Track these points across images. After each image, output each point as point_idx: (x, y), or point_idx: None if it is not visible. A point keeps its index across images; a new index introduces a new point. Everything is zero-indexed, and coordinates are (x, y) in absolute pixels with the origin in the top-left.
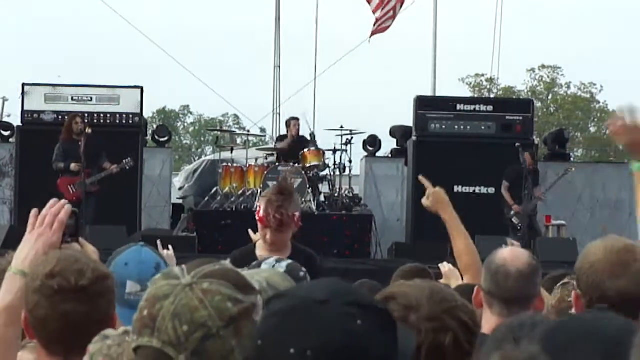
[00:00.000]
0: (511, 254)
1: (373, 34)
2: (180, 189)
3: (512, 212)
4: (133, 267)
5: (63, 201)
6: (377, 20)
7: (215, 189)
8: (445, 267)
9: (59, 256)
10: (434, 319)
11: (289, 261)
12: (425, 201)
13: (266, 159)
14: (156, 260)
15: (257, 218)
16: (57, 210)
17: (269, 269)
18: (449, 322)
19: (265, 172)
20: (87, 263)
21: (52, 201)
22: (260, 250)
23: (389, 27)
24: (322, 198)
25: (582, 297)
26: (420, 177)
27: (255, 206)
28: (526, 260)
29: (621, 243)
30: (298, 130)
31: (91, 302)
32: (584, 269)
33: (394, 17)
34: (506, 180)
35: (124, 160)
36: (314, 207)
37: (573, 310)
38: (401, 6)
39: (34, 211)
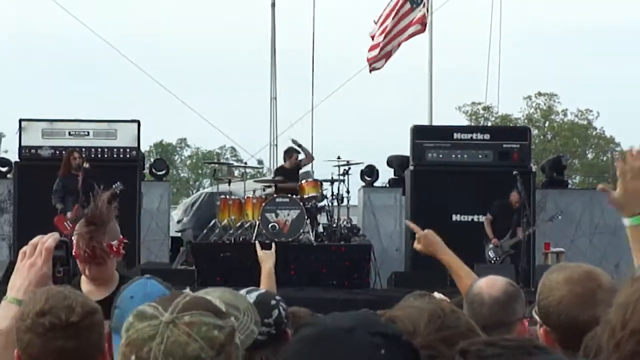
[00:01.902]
0: (488, 282)
1: (372, 69)
2: (178, 222)
3: (490, 245)
4: (139, 299)
5: (54, 233)
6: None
7: (213, 222)
8: (437, 296)
9: (48, 293)
10: (428, 347)
11: (259, 291)
12: (417, 245)
13: (264, 190)
14: (161, 292)
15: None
16: (46, 239)
17: (216, 288)
18: (443, 351)
19: (264, 204)
20: (76, 299)
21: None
22: (85, 285)
23: (382, 66)
24: (320, 229)
25: (551, 332)
26: (407, 222)
27: (253, 238)
28: (502, 287)
29: (579, 271)
30: (296, 161)
31: (82, 337)
32: (552, 306)
33: (388, 57)
34: (490, 214)
35: (113, 185)
36: (313, 238)
37: None
38: (398, 47)
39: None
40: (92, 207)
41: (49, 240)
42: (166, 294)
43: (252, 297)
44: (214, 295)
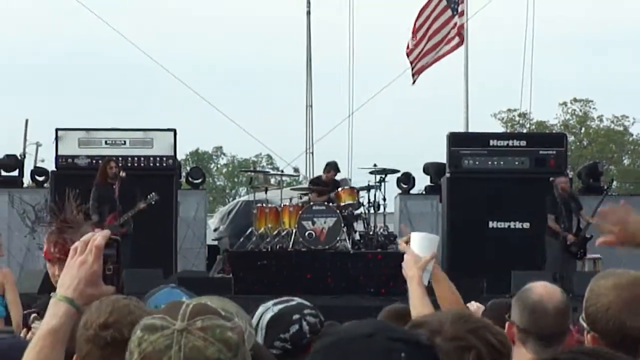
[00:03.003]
0: (546, 290)
1: (415, 73)
2: (215, 230)
3: (569, 242)
4: None
5: (104, 231)
6: (416, 59)
7: (250, 230)
8: (473, 305)
9: (113, 305)
10: (456, 338)
11: (286, 304)
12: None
13: (300, 198)
14: None
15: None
16: (96, 237)
17: (201, 297)
18: (472, 341)
19: (300, 212)
20: (140, 315)
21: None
22: None
23: (428, 65)
24: (357, 236)
25: (600, 339)
26: (399, 240)
27: (290, 246)
28: (561, 296)
29: (627, 277)
30: (332, 178)
31: None
32: (600, 312)
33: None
34: (550, 213)
35: (149, 195)
36: (349, 246)
37: None
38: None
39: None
40: (65, 208)
41: (99, 238)
42: None
43: (274, 309)
44: (215, 303)
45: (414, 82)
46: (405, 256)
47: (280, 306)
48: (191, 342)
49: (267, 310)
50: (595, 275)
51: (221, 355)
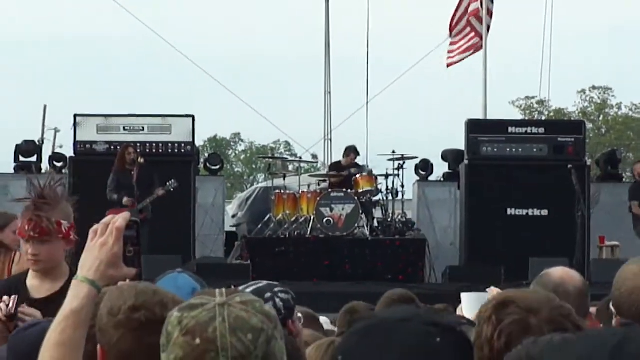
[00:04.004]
0: (566, 273)
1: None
2: (233, 216)
3: None
4: None
5: (125, 213)
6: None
7: (268, 216)
8: (493, 291)
9: (137, 289)
10: (554, 322)
11: (257, 285)
12: None
13: (319, 185)
14: (192, 286)
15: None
16: (117, 219)
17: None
18: (567, 326)
19: (318, 199)
20: (166, 294)
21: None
22: (31, 280)
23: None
24: (375, 223)
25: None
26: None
27: (308, 232)
28: (580, 279)
29: None
30: (352, 162)
31: None
32: (623, 297)
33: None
34: (634, 199)
35: (168, 183)
36: (367, 233)
37: None
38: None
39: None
40: (44, 184)
41: (119, 219)
42: (197, 289)
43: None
44: None
45: (448, 65)
46: None
47: (249, 288)
48: (234, 313)
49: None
50: (627, 262)
51: (264, 325)
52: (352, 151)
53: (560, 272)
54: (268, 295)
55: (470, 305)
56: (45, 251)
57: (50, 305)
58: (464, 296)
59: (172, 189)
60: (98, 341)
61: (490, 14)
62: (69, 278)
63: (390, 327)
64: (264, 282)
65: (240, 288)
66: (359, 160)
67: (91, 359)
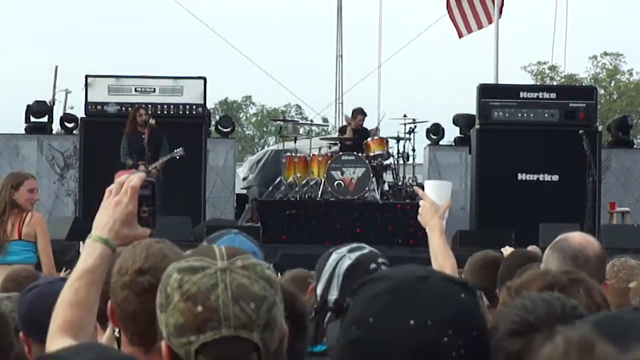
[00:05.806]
0: (586, 240)
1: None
2: (244, 179)
3: None
4: None
5: (140, 172)
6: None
7: (279, 179)
8: (507, 250)
9: (148, 251)
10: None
11: (365, 250)
12: (419, 218)
13: (329, 148)
14: (250, 248)
15: None
16: (132, 178)
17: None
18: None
19: (329, 162)
20: (175, 259)
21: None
22: None
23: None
24: (386, 187)
25: None
26: (415, 188)
27: (319, 195)
28: (599, 245)
29: None
30: (362, 123)
31: None
32: None
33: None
34: None
35: (175, 151)
36: (378, 196)
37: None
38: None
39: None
40: None
41: (135, 179)
42: (257, 252)
43: (352, 257)
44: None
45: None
46: (422, 203)
47: (356, 253)
48: (236, 280)
49: (343, 257)
50: None
51: (266, 292)
52: (359, 112)
53: (579, 238)
54: (373, 266)
55: (435, 191)
56: None
57: None
58: (428, 183)
59: (177, 157)
60: (110, 297)
61: None
62: None
63: (414, 286)
64: (367, 249)
65: (344, 250)
66: (366, 123)
67: (104, 316)
